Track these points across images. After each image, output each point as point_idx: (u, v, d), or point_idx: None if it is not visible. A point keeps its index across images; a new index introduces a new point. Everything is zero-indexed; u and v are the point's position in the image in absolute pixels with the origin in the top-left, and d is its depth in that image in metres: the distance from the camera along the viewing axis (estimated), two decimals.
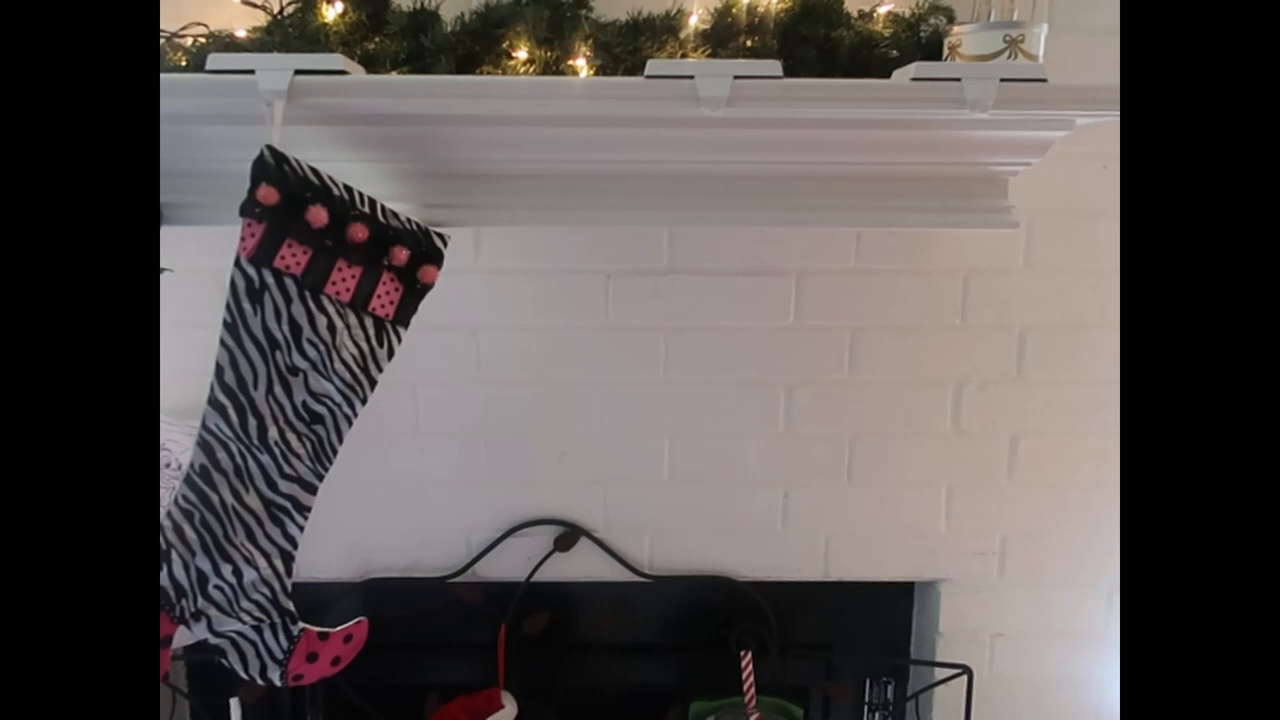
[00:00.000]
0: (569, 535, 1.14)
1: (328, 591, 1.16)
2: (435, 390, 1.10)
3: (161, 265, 0.88)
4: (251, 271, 0.76)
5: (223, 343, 0.78)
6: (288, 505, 0.83)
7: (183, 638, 1.00)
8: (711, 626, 1.19)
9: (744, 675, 1.16)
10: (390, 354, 0.83)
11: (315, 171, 0.76)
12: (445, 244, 0.85)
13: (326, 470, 0.84)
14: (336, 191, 0.77)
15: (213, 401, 0.78)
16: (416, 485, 1.13)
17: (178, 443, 1.06)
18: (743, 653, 1.16)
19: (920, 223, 0.90)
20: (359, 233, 0.78)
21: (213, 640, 0.84)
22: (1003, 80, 0.77)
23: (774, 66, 0.77)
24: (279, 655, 0.84)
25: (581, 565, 1.16)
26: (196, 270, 1.04)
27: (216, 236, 0.90)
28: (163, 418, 1.06)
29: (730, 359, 1.11)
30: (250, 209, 0.75)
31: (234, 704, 1.14)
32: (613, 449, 1.13)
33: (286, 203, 0.75)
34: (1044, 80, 0.77)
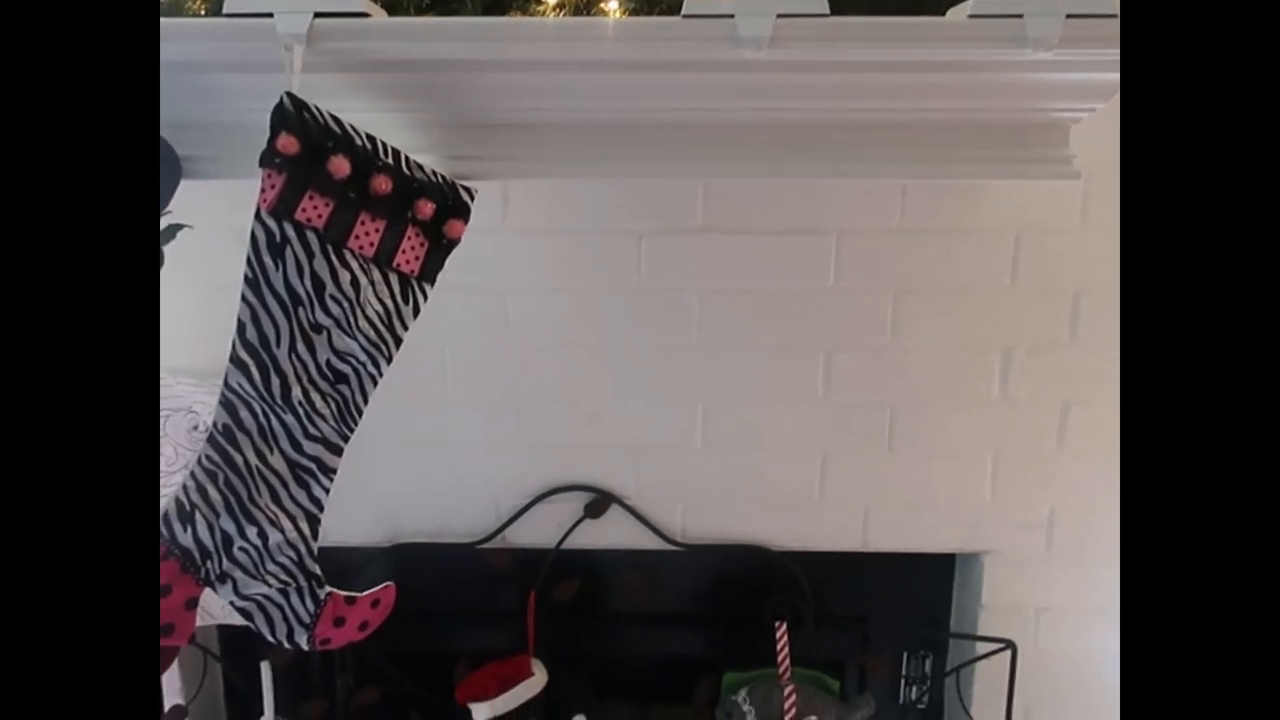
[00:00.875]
0: (600, 502, 1.11)
1: (356, 557, 1.15)
2: (463, 353, 1.08)
3: (181, 221, 0.86)
4: (272, 224, 0.74)
5: (244, 299, 0.75)
6: (312, 467, 0.81)
7: (211, 610, 1.00)
8: (745, 597, 1.16)
9: (779, 647, 1.13)
10: (416, 311, 0.80)
11: (337, 120, 0.73)
12: (472, 198, 0.81)
13: (352, 431, 0.81)
14: (359, 141, 0.74)
15: (235, 359, 0.76)
16: (445, 450, 1.11)
17: (205, 404, 1.05)
18: (777, 624, 1.13)
19: (974, 173, 0.85)
20: (383, 185, 0.75)
21: (239, 603, 0.82)
22: (1069, 16, 0.71)
23: (820, 3, 0.72)
24: (305, 619, 0.83)
25: (612, 533, 1.13)
26: (219, 229, 1.01)
27: (239, 192, 0.88)
28: (188, 380, 1.05)
29: (767, 322, 1.07)
30: (270, 159, 0.72)
31: (264, 667, 1.13)
32: (645, 414, 1.10)
33: (307, 153, 0.72)
34: (1115, 16, 0.71)
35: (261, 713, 1.14)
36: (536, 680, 1.07)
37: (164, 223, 0.81)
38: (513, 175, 0.86)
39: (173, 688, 1.17)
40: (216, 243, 1.01)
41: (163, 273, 0.84)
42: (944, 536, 1.14)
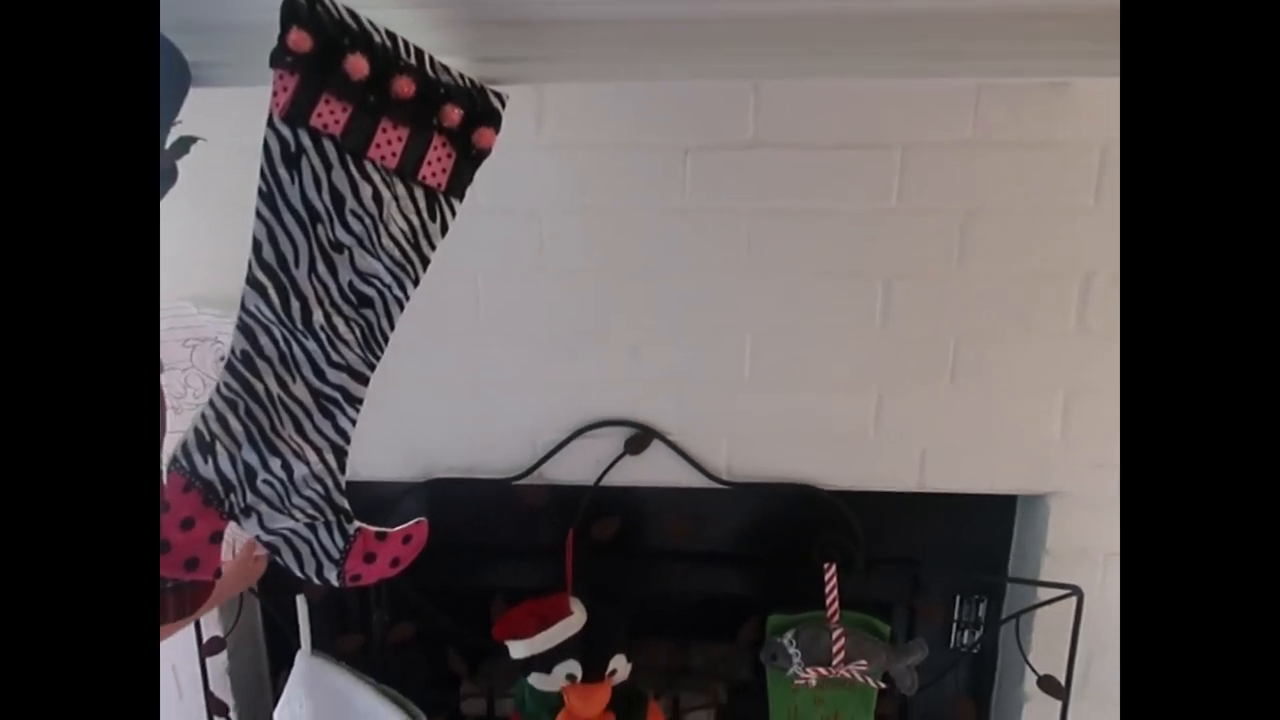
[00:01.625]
0: (640, 438, 1.06)
1: (389, 492, 1.11)
2: (495, 280, 1.02)
3: (194, 134, 0.80)
4: (286, 132, 0.67)
5: (259, 215, 0.70)
6: (337, 396, 0.76)
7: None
8: (791, 537, 1.11)
9: (827, 589, 1.08)
10: (443, 229, 0.74)
11: (353, 14, 0.66)
12: (503, 104, 0.74)
13: (378, 359, 0.76)
14: (378, 39, 0.67)
15: (251, 281, 0.71)
16: (478, 382, 1.06)
17: (229, 333, 1.00)
18: (826, 565, 1.07)
19: (1061, 70, 0.75)
20: (405, 87, 0.68)
21: (265, 538, 0.79)
22: None
23: None
24: (335, 555, 0.79)
25: (654, 469, 1.08)
26: (237, 145, 0.94)
27: (257, 106, 0.82)
28: (212, 310, 1.00)
29: (822, 246, 0.99)
30: (281, 58, 0.65)
31: (300, 601, 1.12)
32: (689, 346, 1.03)
33: (321, 51, 0.65)
34: None
35: (299, 646, 1.13)
36: (575, 620, 1.04)
37: (174, 135, 0.75)
38: (547, 78, 0.79)
39: (211, 619, 1.17)
40: (238, 159, 0.95)
41: (180, 191, 0.79)
42: (1007, 477, 1.07)
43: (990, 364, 1.02)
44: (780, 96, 0.94)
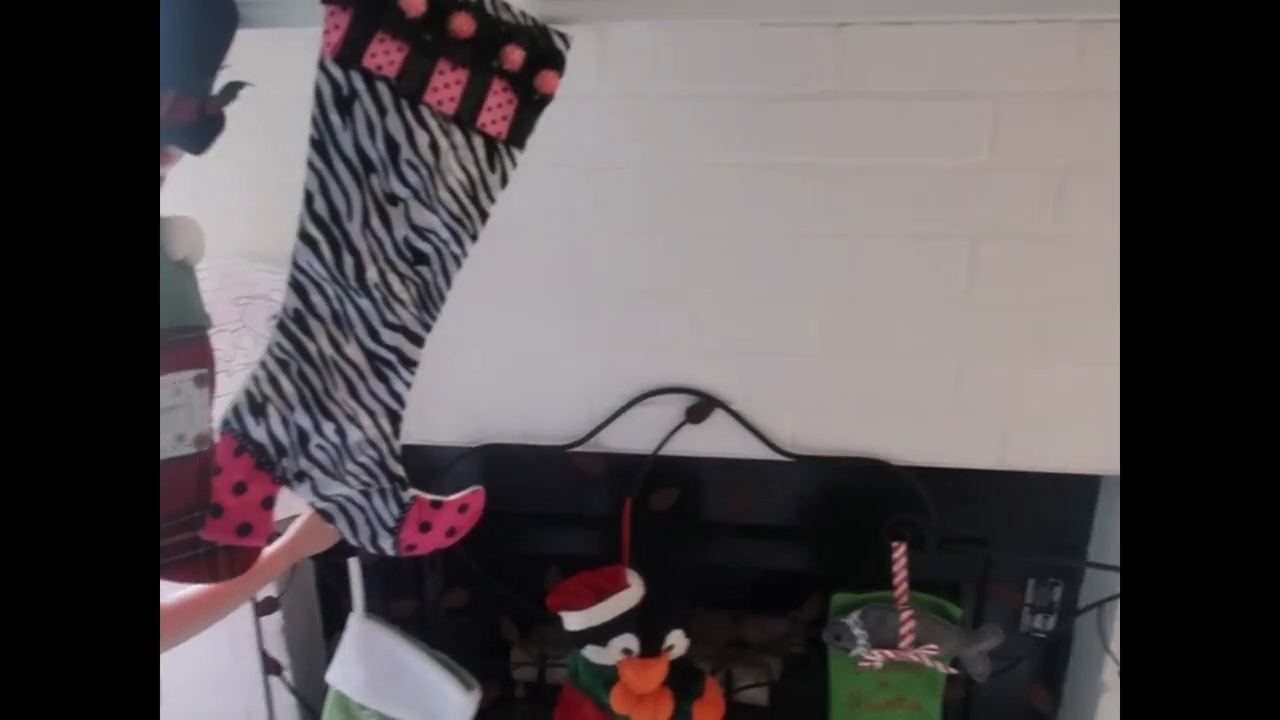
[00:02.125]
0: (702, 406, 1.01)
1: (441, 456, 1.09)
2: (553, 239, 0.97)
3: (242, 79, 0.76)
4: (338, 74, 0.63)
5: (310, 164, 0.66)
6: (392, 358, 0.72)
7: (293, 506, 0.95)
8: (859, 513, 1.05)
9: (896, 568, 1.02)
10: (504, 180, 0.69)
11: None
12: (567, 45, 0.68)
13: (434, 319, 0.72)
14: None
15: (303, 235, 0.68)
16: (533, 346, 1.02)
17: (282, 291, 0.98)
18: (895, 544, 1.02)
19: None
20: (464, 25, 0.63)
21: (319, 504, 0.76)
22: None
23: None
24: (390, 523, 0.77)
25: (715, 440, 1.03)
26: (289, 95, 0.91)
27: (312, 53, 0.78)
28: (263, 265, 0.98)
29: (903, 205, 0.92)
30: None
31: (353, 564, 1.10)
32: (755, 311, 0.97)
33: None
34: None
35: (351, 608, 1.12)
36: (632, 593, 1.00)
37: (221, 80, 0.71)
38: (612, 16, 0.73)
39: None
40: (292, 108, 0.92)
41: (229, 143, 0.75)
42: (1096, 456, 1.00)
43: (1085, 334, 0.94)
44: (863, 41, 0.87)
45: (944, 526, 1.05)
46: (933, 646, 1.01)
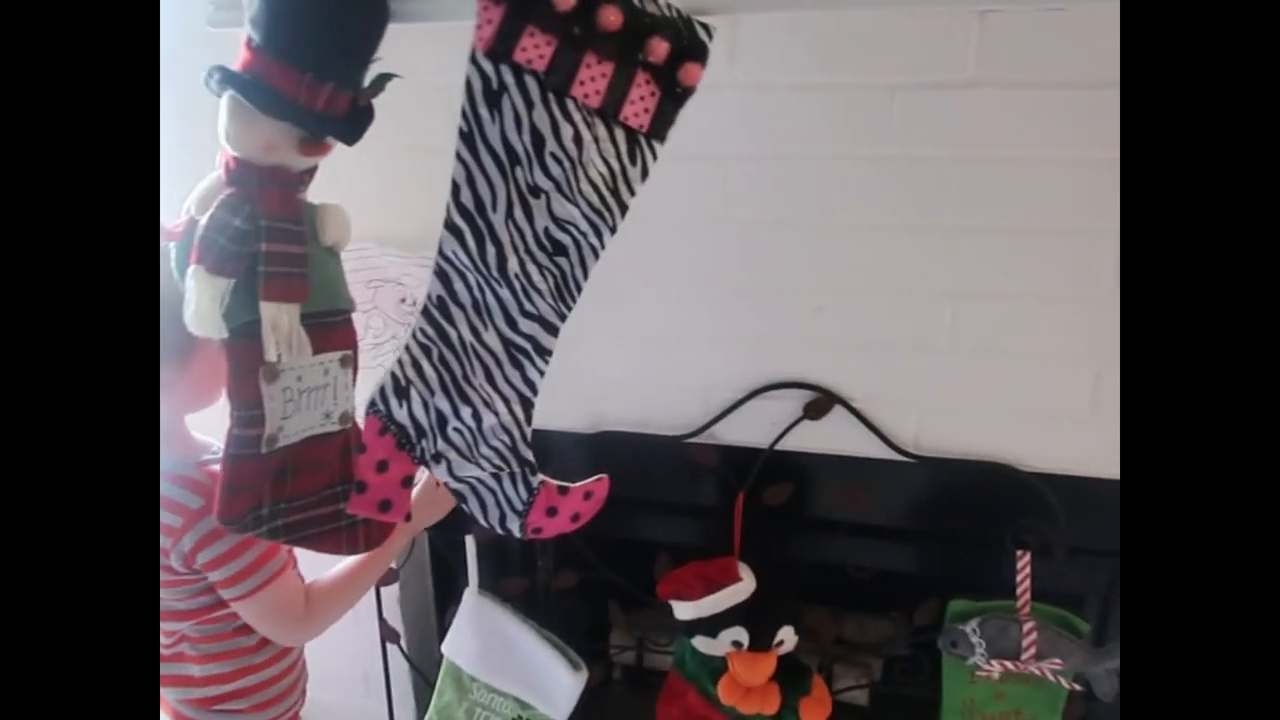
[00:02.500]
0: (821, 402, 1.00)
1: (557, 442, 1.11)
2: (678, 230, 0.97)
3: (391, 71, 0.79)
4: (489, 68, 0.64)
5: (458, 156, 0.67)
6: (527, 347, 0.74)
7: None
8: (981, 519, 1.02)
9: (1019, 578, 0.99)
10: (644, 173, 0.69)
11: None
12: (710, 36, 0.68)
13: (569, 309, 0.73)
14: None
15: (449, 225, 0.69)
16: (653, 336, 1.02)
17: (412, 275, 1.01)
18: (1020, 552, 0.98)
19: None
20: (612, 18, 0.63)
21: (453, 485, 0.79)
22: None
23: None
24: (518, 506, 0.79)
25: (833, 437, 1.01)
26: (427, 88, 0.94)
27: (449, 46, 0.80)
28: (395, 250, 1.01)
29: (1043, 199, 0.88)
30: None
31: (469, 541, 1.14)
32: (881, 306, 0.95)
33: None
34: None
35: (465, 583, 1.16)
36: (744, 586, 1.00)
37: (372, 72, 0.74)
38: (755, 7, 0.72)
39: None
40: (428, 101, 0.95)
41: (369, 132, 0.78)
42: None
43: None
44: (1009, 27, 0.83)
45: (1071, 536, 1.00)
46: (1057, 661, 0.97)
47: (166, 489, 0.85)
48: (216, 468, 0.82)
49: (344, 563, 0.97)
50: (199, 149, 0.75)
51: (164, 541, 0.85)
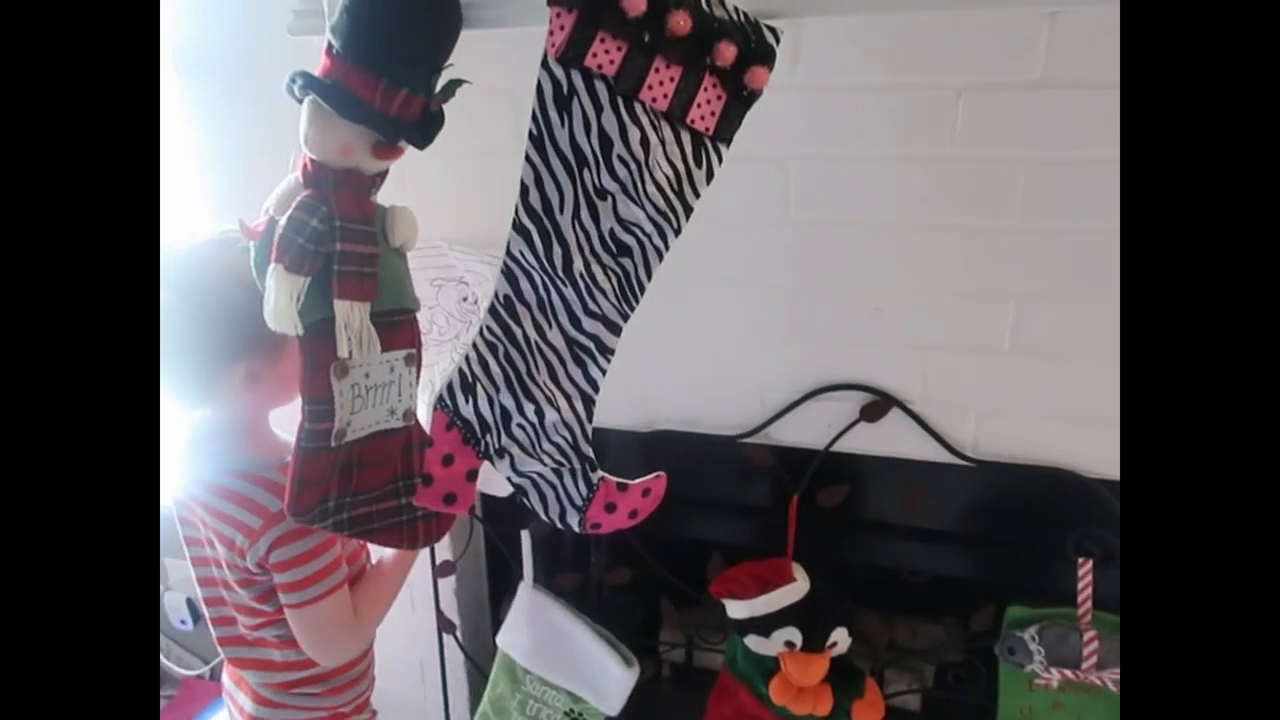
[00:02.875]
0: (879, 404, 0.99)
1: (611, 439, 1.12)
2: (737, 231, 0.97)
3: (461, 78, 0.81)
4: (559, 73, 0.65)
5: (528, 158, 0.69)
6: (590, 345, 0.75)
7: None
8: (1041, 526, 1.00)
9: (1080, 585, 0.97)
10: (709, 176, 0.70)
11: None
12: (778, 40, 0.68)
13: (632, 310, 0.75)
14: None
15: (517, 225, 0.71)
16: (710, 336, 1.03)
17: (476, 274, 1.04)
18: (1082, 560, 0.97)
19: None
20: (681, 23, 0.64)
21: (515, 479, 0.81)
22: None
23: None
24: (578, 502, 0.80)
25: (890, 439, 1.01)
26: (491, 90, 0.96)
27: (512, 51, 0.81)
28: (462, 249, 1.03)
29: (1110, 201, 0.86)
30: None
31: (524, 535, 1.16)
32: (942, 308, 0.94)
33: None
34: None
35: (520, 577, 1.18)
36: (799, 586, 1.01)
37: (444, 78, 0.76)
38: (824, 10, 0.72)
39: (443, 545, 1.24)
40: (491, 104, 0.97)
41: (440, 135, 0.80)
42: None
43: None
44: (1078, 28, 0.82)
45: None
46: (1119, 671, 0.95)
47: (249, 490, 0.87)
48: None
49: (372, 578, 0.99)
50: (277, 151, 0.78)
51: (242, 542, 0.86)
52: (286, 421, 0.87)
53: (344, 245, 0.73)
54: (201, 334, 0.83)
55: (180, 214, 1.14)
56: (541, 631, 1.16)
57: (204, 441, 0.92)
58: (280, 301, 0.72)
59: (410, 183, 0.98)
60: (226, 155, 1.12)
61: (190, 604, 1.65)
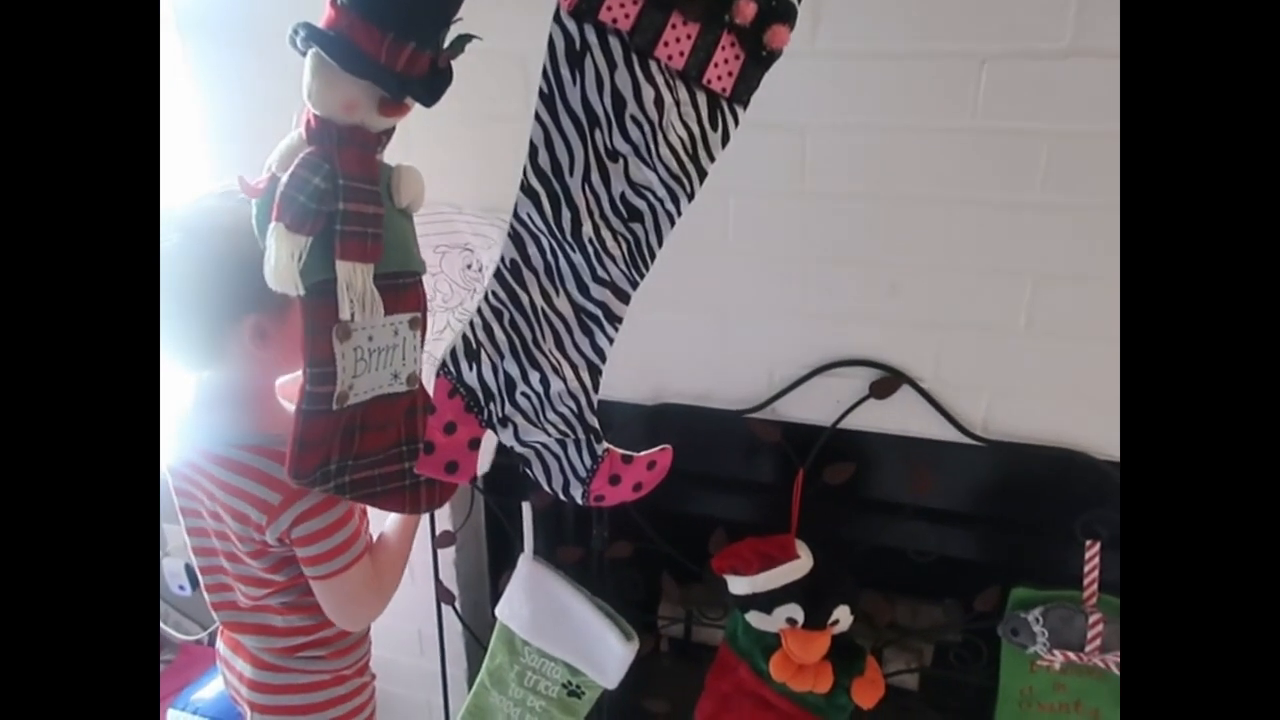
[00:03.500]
0: (889, 381, 0.97)
1: (616, 412, 1.11)
2: (750, 200, 0.95)
3: (471, 33, 0.78)
4: (572, 27, 0.63)
5: (538, 117, 0.67)
6: (598, 313, 0.73)
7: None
8: (1050, 507, 0.99)
9: (1087, 568, 0.96)
10: (725, 139, 0.68)
11: None
12: None
13: (642, 276, 0.73)
14: None
15: (525, 188, 0.69)
16: (720, 308, 1.01)
17: (483, 237, 1.01)
18: (1090, 542, 0.96)
19: None
20: None
21: (519, 449, 0.79)
22: None
23: None
24: (582, 473, 0.79)
25: (899, 417, 0.99)
26: (500, 54, 0.93)
27: (521, 11, 0.79)
28: (470, 213, 1.01)
29: None
30: None
31: (525, 507, 1.15)
32: (957, 285, 0.92)
33: None
34: None
35: (520, 549, 1.17)
36: (802, 563, 1.00)
37: (452, 33, 0.73)
38: None
39: (443, 514, 1.23)
40: (500, 67, 0.94)
41: (443, 98, 0.77)
42: None
43: None
44: None
45: None
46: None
47: (263, 464, 0.85)
48: None
49: (382, 544, 0.98)
50: (282, 109, 0.76)
51: (258, 517, 0.85)
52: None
53: (347, 205, 0.71)
54: (208, 282, 0.79)
55: (183, 173, 1.12)
56: (541, 603, 1.15)
57: (208, 408, 0.89)
58: (281, 260, 0.71)
59: (417, 146, 0.96)
60: (231, 113, 1.10)
61: (189, 569, 1.65)
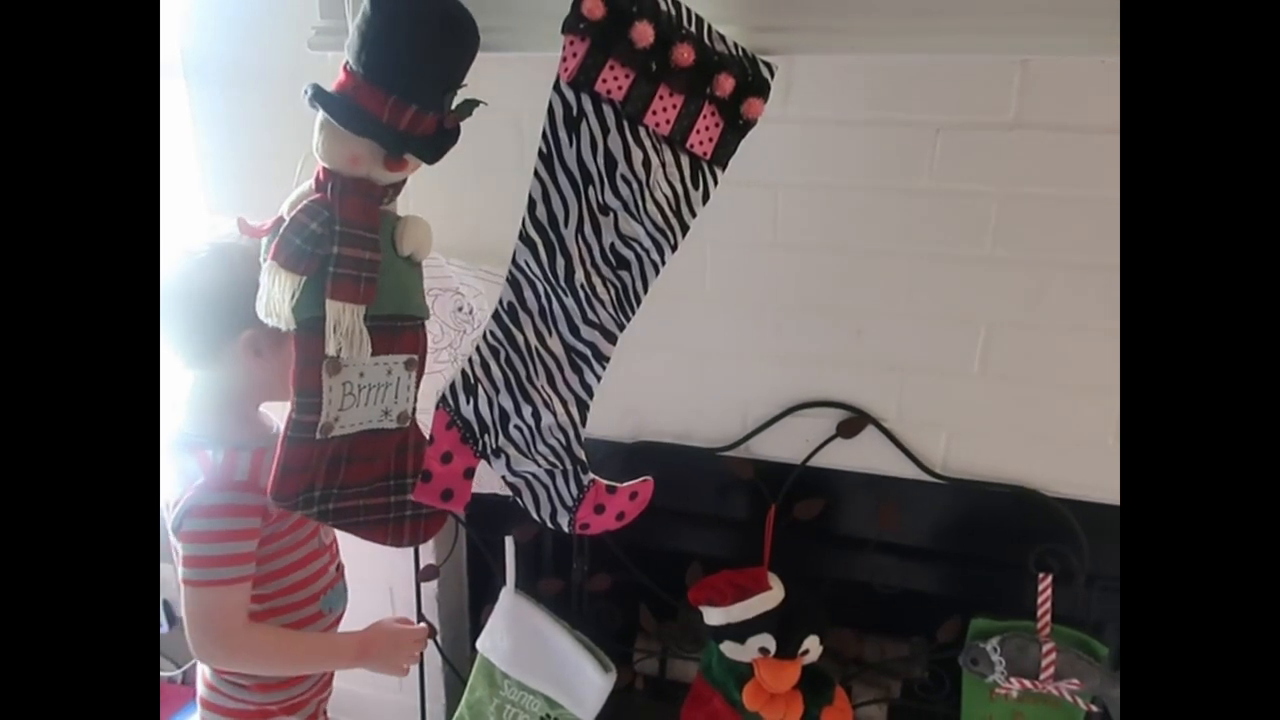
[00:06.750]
0: (855, 421, 1.04)
1: (596, 449, 1.15)
2: (726, 251, 1.02)
3: (477, 98, 0.85)
4: (570, 96, 0.70)
5: (537, 174, 0.73)
6: (587, 353, 0.79)
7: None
8: (1005, 542, 1.05)
9: (1040, 600, 1.02)
10: (705, 197, 0.75)
11: None
12: (773, 74, 0.74)
13: (628, 320, 0.79)
14: (663, 6, 0.68)
15: (524, 237, 0.75)
16: (697, 351, 1.07)
17: (470, 286, 1.07)
18: (1042, 575, 1.02)
19: None
20: (685, 55, 0.69)
21: (510, 479, 0.84)
22: None
23: None
24: (569, 502, 0.84)
25: (864, 455, 1.06)
26: (496, 110, 1.01)
27: (517, 74, 0.86)
28: (458, 262, 1.07)
29: (1078, 236, 0.92)
30: (574, 24, 0.68)
31: (508, 542, 1.19)
32: (917, 332, 1.00)
33: (611, 18, 0.67)
34: None
35: (503, 582, 1.20)
36: (774, 595, 1.04)
37: (460, 97, 0.80)
38: (819, 48, 0.78)
39: (427, 549, 1.26)
40: (494, 124, 1.01)
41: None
42: None
43: None
44: (1051, 74, 0.88)
45: (1094, 563, 1.04)
46: (1075, 681, 1.00)
47: (183, 458, 0.87)
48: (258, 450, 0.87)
49: (309, 634, 0.98)
50: (280, 154, 0.82)
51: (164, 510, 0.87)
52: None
53: (342, 249, 0.77)
54: (221, 292, 0.84)
55: (184, 215, 1.17)
56: (522, 636, 1.18)
57: (185, 402, 0.92)
58: (273, 296, 0.76)
59: (412, 196, 1.02)
60: (235, 159, 1.15)
61: (166, 606, 1.65)
